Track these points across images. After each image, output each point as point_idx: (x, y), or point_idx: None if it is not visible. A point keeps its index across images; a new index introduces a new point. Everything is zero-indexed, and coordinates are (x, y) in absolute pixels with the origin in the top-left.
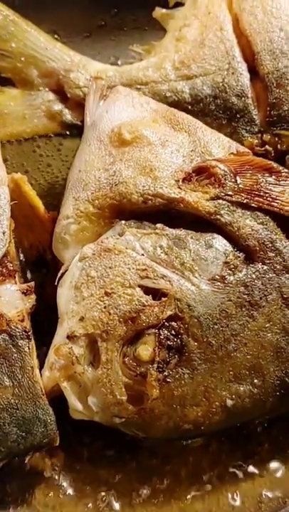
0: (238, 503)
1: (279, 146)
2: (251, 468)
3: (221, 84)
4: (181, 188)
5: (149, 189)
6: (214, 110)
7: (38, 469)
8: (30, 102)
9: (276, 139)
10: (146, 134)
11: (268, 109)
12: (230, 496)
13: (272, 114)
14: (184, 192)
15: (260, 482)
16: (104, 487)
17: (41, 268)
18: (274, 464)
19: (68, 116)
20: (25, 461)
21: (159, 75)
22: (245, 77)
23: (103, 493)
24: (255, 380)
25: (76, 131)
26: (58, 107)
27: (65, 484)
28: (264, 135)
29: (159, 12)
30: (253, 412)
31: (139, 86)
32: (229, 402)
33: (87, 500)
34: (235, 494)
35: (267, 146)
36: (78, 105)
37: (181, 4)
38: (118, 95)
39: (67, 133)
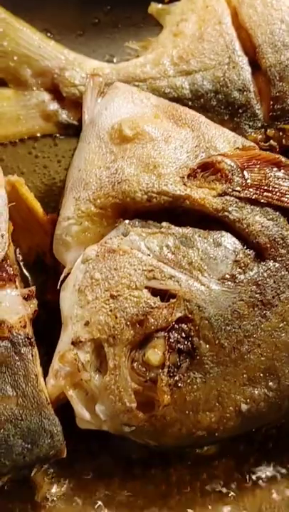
0: None
1: (284, 140)
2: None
3: (221, 78)
4: (186, 185)
5: (154, 187)
6: (216, 106)
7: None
8: (24, 102)
9: (280, 133)
10: (148, 129)
11: (271, 103)
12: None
13: (276, 108)
14: (189, 189)
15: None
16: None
17: (41, 272)
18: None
19: (64, 115)
20: (31, 475)
21: (158, 71)
22: (246, 71)
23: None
24: (270, 383)
25: (73, 131)
26: (53, 106)
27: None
28: (268, 130)
29: (154, 7)
30: (269, 415)
31: (137, 83)
32: (244, 407)
33: None
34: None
35: (271, 141)
36: (74, 104)
37: None
38: (117, 91)
39: (64, 133)
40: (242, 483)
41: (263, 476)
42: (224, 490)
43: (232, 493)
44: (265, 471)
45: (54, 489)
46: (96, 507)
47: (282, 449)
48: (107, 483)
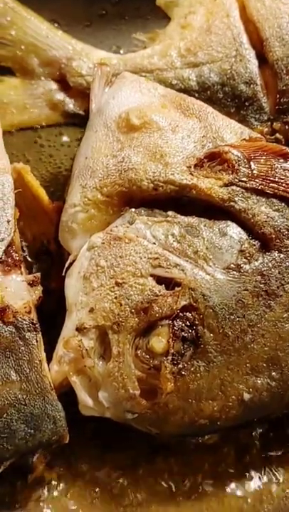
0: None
1: None
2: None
3: (228, 71)
4: (193, 175)
5: (160, 175)
6: (222, 98)
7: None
8: (31, 91)
9: (286, 126)
10: (155, 119)
11: (278, 96)
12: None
13: (282, 102)
14: (196, 178)
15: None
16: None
17: (45, 260)
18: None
19: (70, 105)
20: (33, 460)
21: (165, 62)
22: (253, 64)
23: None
24: (273, 373)
25: (78, 120)
26: (59, 96)
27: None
28: (274, 123)
29: (162, 0)
30: (271, 405)
31: (144, 74)
32: (246, 396)
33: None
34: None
35: (277, 134)
36: (81, 94)
37: None
38: (124, 81)
39: (70, 122)
40: (243, 473)
41: (264, 466)
42: (226, 480)
43: (233, 483)
44: (267, 462)
45: (53, 475)
46: (94, 495)
47: (284, 439)
48: (107, 471)
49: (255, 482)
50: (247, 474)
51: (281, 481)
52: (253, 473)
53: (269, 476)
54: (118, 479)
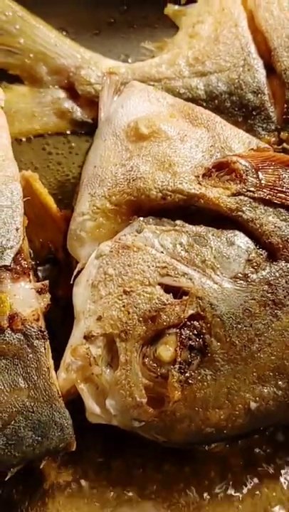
0: None
1: None
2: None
3: (236, 80)
4: (201, 184)
5: (168, 185)
6: (230, 107)
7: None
8: (39, 99)
9: None
10: (164, 128)
11: (285, 106)
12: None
13: None
14: (204, 188)
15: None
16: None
17: (53, 268)
18: None
19: (79, 113)
20: (40, 467)
21: (173, 71)
22: (261, 74)
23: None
24: (280, 382)
25: (86, 128)
26: (68, 104)
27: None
28: (281, 133)
29: (171, 9)
30: (277, 414)
31: (152, 83)
32: (253, 405)
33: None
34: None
35: (284, 144)
36: (89, 102)
37: (193, 1)
38: (133, 90)
39: (78, 131)
40: (249, 482)
41: (270, 474)
42: (232, 488)
43: (239, 492)
44: (272, 470)
45: (60, 480)
46: (101, 503)
47: None
48: (113, 478)
49: (262, 490)
50: (253, 482)
51: (286, 490)
52: (259, 481)
53: (275, 483)
54: (125, 487)
